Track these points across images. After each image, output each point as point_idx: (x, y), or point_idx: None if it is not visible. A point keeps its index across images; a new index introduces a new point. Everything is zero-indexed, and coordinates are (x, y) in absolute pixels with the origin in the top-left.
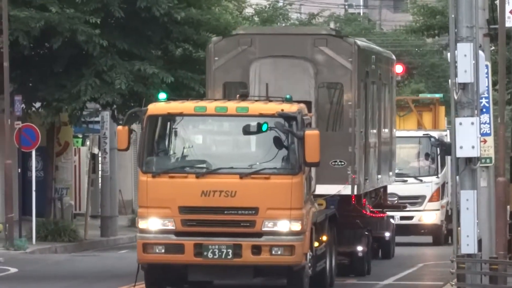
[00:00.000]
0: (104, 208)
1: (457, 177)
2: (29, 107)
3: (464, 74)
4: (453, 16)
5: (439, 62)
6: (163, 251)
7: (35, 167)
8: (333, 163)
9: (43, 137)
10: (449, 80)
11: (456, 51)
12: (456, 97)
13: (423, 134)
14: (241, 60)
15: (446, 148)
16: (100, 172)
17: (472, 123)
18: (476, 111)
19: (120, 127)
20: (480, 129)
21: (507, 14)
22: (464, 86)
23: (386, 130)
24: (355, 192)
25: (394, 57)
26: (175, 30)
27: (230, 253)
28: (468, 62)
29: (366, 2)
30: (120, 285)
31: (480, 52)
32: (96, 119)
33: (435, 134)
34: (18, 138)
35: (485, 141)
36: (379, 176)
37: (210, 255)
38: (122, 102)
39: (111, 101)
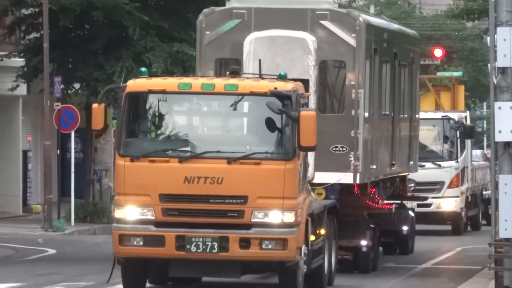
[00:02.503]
0: None
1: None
2: (68, 88)
3: (503, 59)
4: (493, 0)
5: (479, 46)
6: (141, 243)
7: (74, 148)
8: (334, 148)
9: (82, 119)
10: (489, 64)
11: (496, 35)
12: (495, 81)
13: (442, 116)
14: (235, 35)
15: (467, 131)
16: None
17: (511, 107)
18: None
19: (95, 105)
20: None
21: None
22: (503, 71)
23: (405, 115)
24: (358, 181)
25: (418, 36)
26: None
27: (215, 246)
28: (508, 47)
29: None
30: None
31: None
32: None
33: (454, 115)
34: (57, 120)
35: None
36: (394, 164)
37: (193, 248)
38: None
39: None
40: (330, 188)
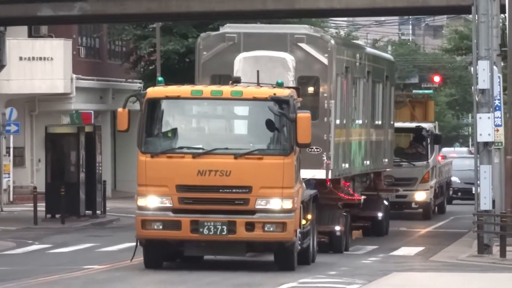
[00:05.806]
0: None
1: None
2: None
3: (483, 83)
4: (475, 41)
5: (465, 74)
6: (160, 227)
7: None
8: (310, 149)
9: None
10: (472, 87)
11: (477, 66)
12: (477, 99)
13: (416, 126)
14: (227, 55)
15: (435, 138)
16: None
17: (489, 117)
18: (491, 109)
19: (120, 110)
20: (494, 121)
21: None
22: (483, 91)
23: (379, 122)
24: (329, 177)
25: (393, 59)
26: None
27: (225, 229)
28: (486, 74)
29: (414, 31)
30: None
31: (494, 67)
32: None
33: (426, 125)
34: None
35: (497, 130)
36: (367, 162)
37: (205, 231)
38: None
39: None
40: (306, 183)
